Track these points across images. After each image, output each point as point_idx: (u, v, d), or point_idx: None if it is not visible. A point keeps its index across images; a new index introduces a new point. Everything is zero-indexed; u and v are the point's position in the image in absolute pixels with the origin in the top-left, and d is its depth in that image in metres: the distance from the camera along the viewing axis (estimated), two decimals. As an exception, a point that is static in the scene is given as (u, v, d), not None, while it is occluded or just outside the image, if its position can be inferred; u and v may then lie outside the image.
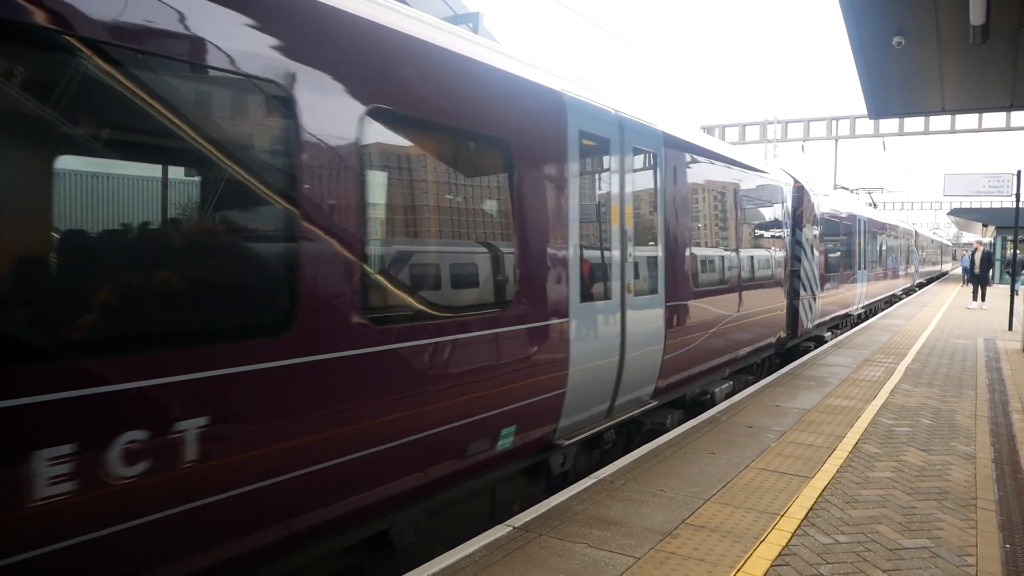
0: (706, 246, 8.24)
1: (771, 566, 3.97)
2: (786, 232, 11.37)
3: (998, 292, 29.84)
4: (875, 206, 28.19)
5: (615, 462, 5.83)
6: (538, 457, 5.42)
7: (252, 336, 3.07)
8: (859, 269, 17.60)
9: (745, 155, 10.15)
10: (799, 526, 4.55)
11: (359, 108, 3.64)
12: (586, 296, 5.55)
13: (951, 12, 7.97)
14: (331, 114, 3.46)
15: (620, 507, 4.81)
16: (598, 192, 6.00)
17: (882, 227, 21.84)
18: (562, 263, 5.25)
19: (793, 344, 12.50)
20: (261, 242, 3.33)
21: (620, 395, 6.16)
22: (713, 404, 8.18)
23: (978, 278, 22.90)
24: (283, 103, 3.25)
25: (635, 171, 6.42)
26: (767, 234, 10.60)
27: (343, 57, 3.57)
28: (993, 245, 38.52)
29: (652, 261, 6.75)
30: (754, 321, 9.57)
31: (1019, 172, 16.52)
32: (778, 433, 6.80)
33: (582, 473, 5.90)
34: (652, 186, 6.80)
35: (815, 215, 13.03)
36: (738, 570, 3.91)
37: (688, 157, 7.65)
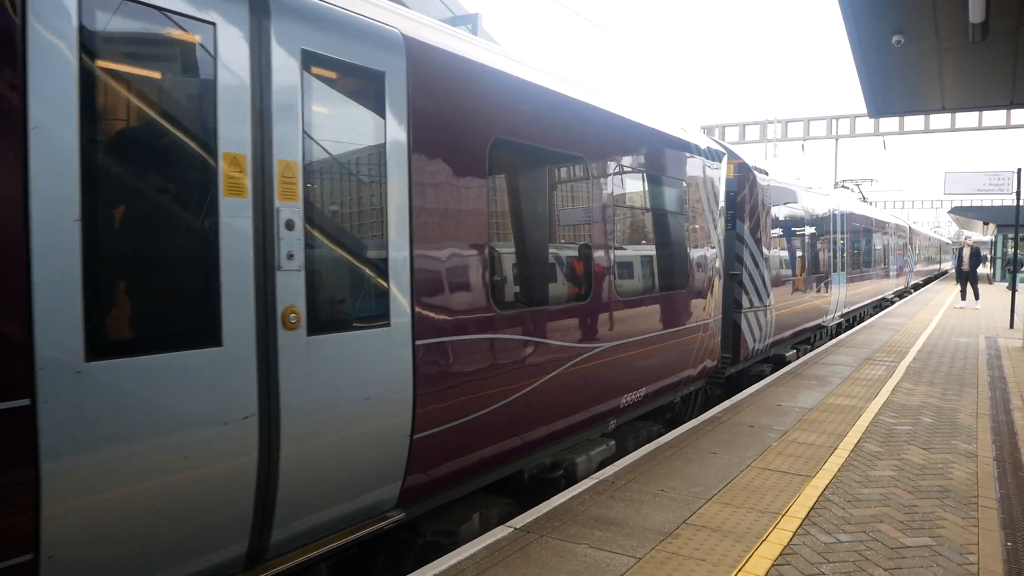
0: (534, 240, 5.26)
1: (772, 565, 3.97)
2: (712, 224, 8.34)
3: (998, 289, 29.86)
4: (865, 200, 26.89)
5: (616, 462, 5.82)
6: None
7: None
8: (835, 271, 15.13)
9: (635, 108, 6.86)
10: (801, 525, 4.55)
11: None
12: (112, 346, 2.79)
13: (950, 10, 7.98)
14: None
15: (621, 507, 4.80)
16: (168, 128, 3.06)
17: (867, 223, 19.66)
18: None
19: (737, 371, 10.05)
20: None
21: (283, 523, 3.45)
22: (573, 480, 5.58)
23: (967, 276, 22.12)
24: None
25: (317, 100, 3.58)
26: (678, 225, 7.46)
27: None
28: (994, 243, 38.50)
29: (377, 266, 3.89)
30: (651, 350, 6.72)
31: (1019, 170, 16.51)
32: (779, 432, 6.79)
33: None
34: (375, 132, 3.89)
35: (767, 205, 10.53)
36: (740, 569, 3.91)
37: (486, 89, 4.69)
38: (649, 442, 6.74)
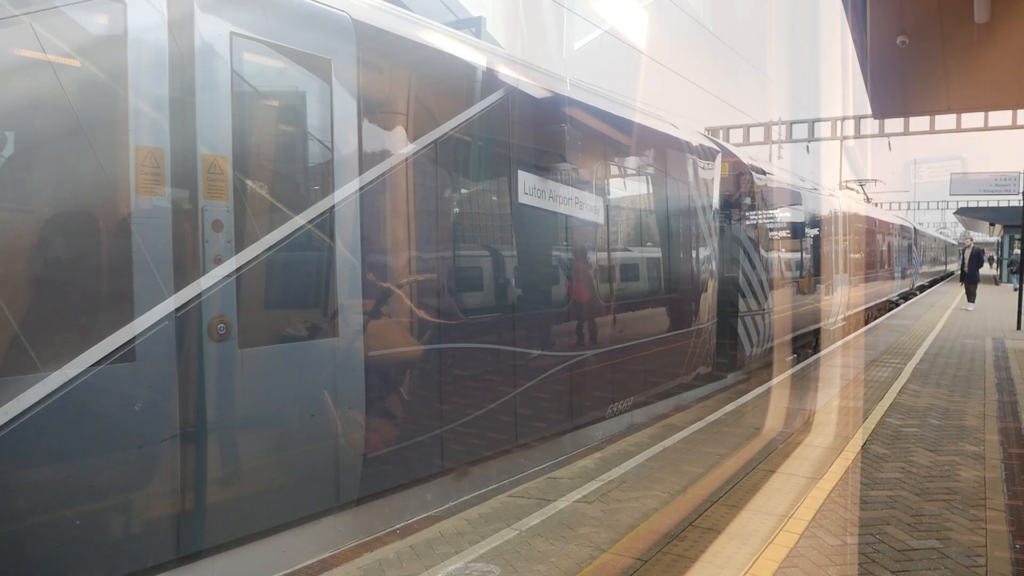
0: (503, 242, 4.89)
1: (779, 568, 3.95)
2: (706, 225, 7.96)
3: (1005, 290, 29.70)
4: (868, 200, 26.66)
5: (620, 464, 5.80)
6: None
7: None
8: (837, 272, 14.72)
9: (620, 102, 6.41)
10: (807, 527, 4.53)
11: None
12: (1, 363, 2.50)
13: (955, 10, 7.96)
14: None
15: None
16: (70, 118, 2.71)
17: (871, 224, 19.47)
18: None
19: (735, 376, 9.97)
20: None
21: (212, 553, 3.19)
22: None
23: (969, 278, 21.90)
24: None
25: (250, 90, 3.24)
26: (667, 226, 7.09)
27: None
28: (1000, 244, 38.36)
29: (323, 272, 3.52)
30: (639, 357, 6.36)
31: (1025, 171, 16.42)
32: (785, 434, 6.77)
33: None
34: (320, 125, 3.53)
35: (766, 205, 10.17)
36: (746, 572, 3.89)
37: (449, 79, 4.29)
38: (643, 451, 6.42)
